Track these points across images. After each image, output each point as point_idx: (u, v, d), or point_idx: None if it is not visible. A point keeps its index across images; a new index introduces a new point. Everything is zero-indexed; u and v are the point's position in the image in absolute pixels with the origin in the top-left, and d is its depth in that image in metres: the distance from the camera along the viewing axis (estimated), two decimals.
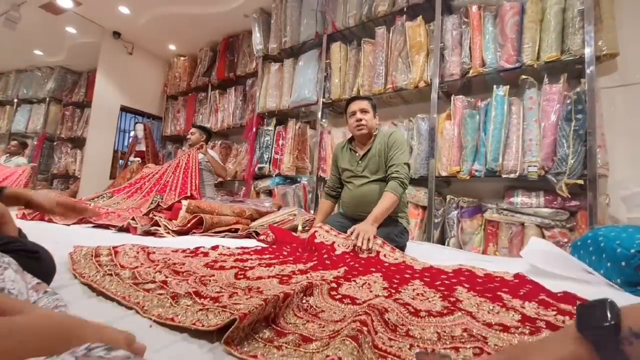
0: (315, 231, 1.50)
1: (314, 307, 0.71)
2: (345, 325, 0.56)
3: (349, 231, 1.43)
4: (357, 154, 1.75)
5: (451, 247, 2.12)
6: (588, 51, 1.83)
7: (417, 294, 0.83)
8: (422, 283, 0.94)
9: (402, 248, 1.55)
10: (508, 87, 2.07)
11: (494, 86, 2.09)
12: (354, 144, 1.81)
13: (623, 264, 1.00)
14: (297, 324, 0.61)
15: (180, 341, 0.55)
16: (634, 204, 1.63)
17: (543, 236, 1.92)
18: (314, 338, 0.55)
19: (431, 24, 2.44)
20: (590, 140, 1.76)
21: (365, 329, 0.53)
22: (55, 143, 4.79)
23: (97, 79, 4.26)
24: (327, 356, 0.46)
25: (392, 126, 2.61)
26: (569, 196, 1.81)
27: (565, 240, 1.84)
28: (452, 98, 2.28)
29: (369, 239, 1.35)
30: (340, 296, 0.78)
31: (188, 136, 3.15)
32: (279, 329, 0.58)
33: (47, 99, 4.73)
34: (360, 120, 1.69)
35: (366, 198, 1.66)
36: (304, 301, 0.72)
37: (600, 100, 1.88)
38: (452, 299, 0.78)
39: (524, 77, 2.03)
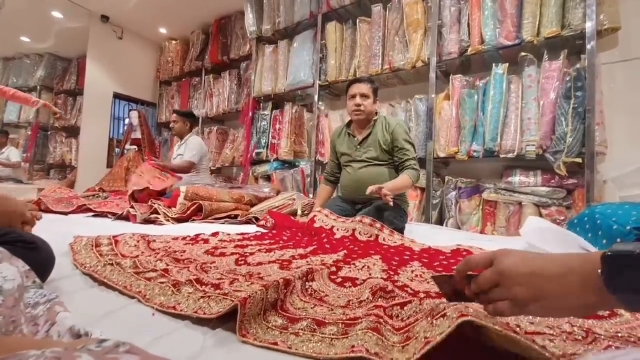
0: (315, 215, 1.51)
1: (318, 291, 0.71)
2: (361, 318, 0.56)
3: (374, 187, 1.41)
4: (356, 139, 1.74)
5: (449, 228, 2.14)
6: (589, 25, 1.79)
7: (416, 275, 0.84)
8: (421, 264, 0.96)
9: (401, 230, 1.56)
10: (507, 64, 2.03)
11: (493, 64, 2.06)
12: (352, 128, 1.80)
13: (619, 240, 1.02)
14: (306, 308, 0.62)
15: (183, 328, 0.56)
16: (624, 185, 1.64)
17: (540, 214, 1.94)
18: (327, 321, 0.55)
19: (429, 1, 2.37)
20: (588, 118, 1.75)
21: (382, 320, 0.54)
22: (49, 132, 4.73)
23: (88, 65, 4.16)
24: (353, 346, 0.46)
25: (390, 108, 2.58)
26: (567, 175, 1.81)
27: (562, 218, 1.86)
28: (450, 77, 2.25)
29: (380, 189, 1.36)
30: (340, 279, 0.79)
31: (171, 125, 2.95)
32: (289, 315, 0.59)
33: (38, 87, 4.63)
34: (359, 105, 1.67)
35: (365, 181, 1.65)
36: (307, 286, 0.73)
37: (600, 76, 1.85)
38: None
39: (523, 54, 1.99)
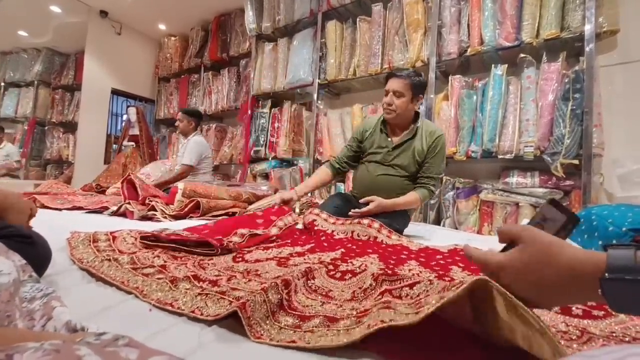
0: (314, 220, 1.48)
1: (322, 287, 0.71)
2: (371, 309, 0.55)
3: (367, 199, 1.43)
4: (390, 140, 1.58)
5: (447, 228, 2.14)
6: (588, 28, 1.80)
7: (413, 274, 0.84)
8: (418, 263, 0.96)
9: (400, 233, 1.55)
10: (506, 66, 2.04)
11: (492, 65, 2.06)
12: (387, 127, 1.61)
13: (615, 242, 1.02)
14: (314, 306, 0.61)
15: (180, 323, 0.55)
16: (631, 182, 1.65)
17: None
18: (339, 317, 0.55)
19: (429, 0, 2.37)
20: (586, 120, 1.76)
21: (391, 304, 0.54)
22: (46, 128, 4.70)
23: (86, 60, 4.13)
24: (369, 325, 0.46)
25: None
26: (564, 176, 1.82)
27: None
28: (449, 78, 2.25)
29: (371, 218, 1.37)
30: (340, 274, 0.79)
31: (176, 123, 2.96)
32: (298, 313, 0.58)
33: (35, 82, 4.60)
34: (390, 104, 1.50)
35: (382, 188, 1.55)
36: (309, 283, 0.73)
37: (599, 78, 1.86)
38: (447, 279, 0.80)
39: (522, 55, 1.99)
